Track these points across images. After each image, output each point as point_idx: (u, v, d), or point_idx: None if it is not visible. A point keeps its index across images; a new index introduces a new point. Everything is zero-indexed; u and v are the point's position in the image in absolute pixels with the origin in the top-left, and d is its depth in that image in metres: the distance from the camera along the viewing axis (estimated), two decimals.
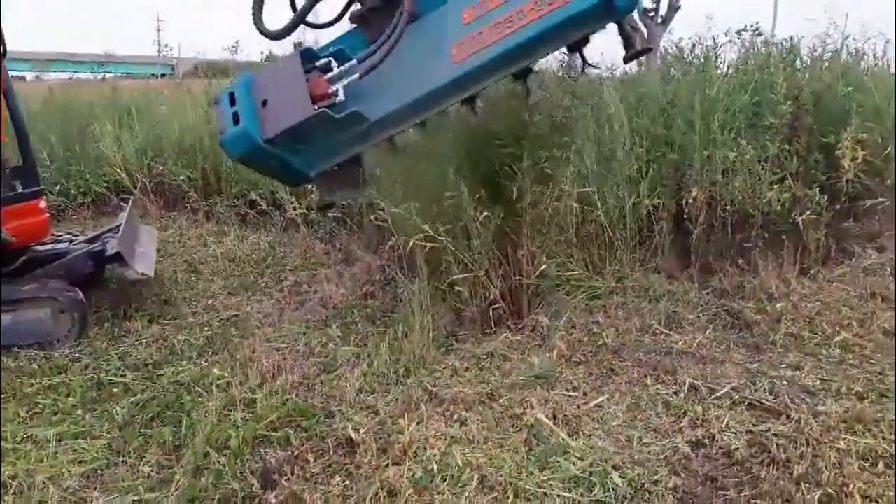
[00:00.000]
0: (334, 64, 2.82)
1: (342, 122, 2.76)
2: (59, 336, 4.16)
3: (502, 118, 5.49)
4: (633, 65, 8.10)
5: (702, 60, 5.98)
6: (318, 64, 2.85)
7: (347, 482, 2.75)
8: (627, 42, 2.81)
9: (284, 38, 3.19)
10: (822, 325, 3.90)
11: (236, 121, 2.77)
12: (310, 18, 3.12)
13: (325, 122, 2.73)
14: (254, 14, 3.11)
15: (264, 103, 2.80)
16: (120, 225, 4.85)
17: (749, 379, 3.34)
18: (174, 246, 6.33)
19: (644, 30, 3.22)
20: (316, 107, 2.70)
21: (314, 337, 4.18)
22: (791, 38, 6.14)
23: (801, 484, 2.53)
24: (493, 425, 3.07)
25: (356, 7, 3.00)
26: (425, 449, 2.89)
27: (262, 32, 3.15)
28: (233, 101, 2.81)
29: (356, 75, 2.76)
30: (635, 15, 3.04)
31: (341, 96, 2.77)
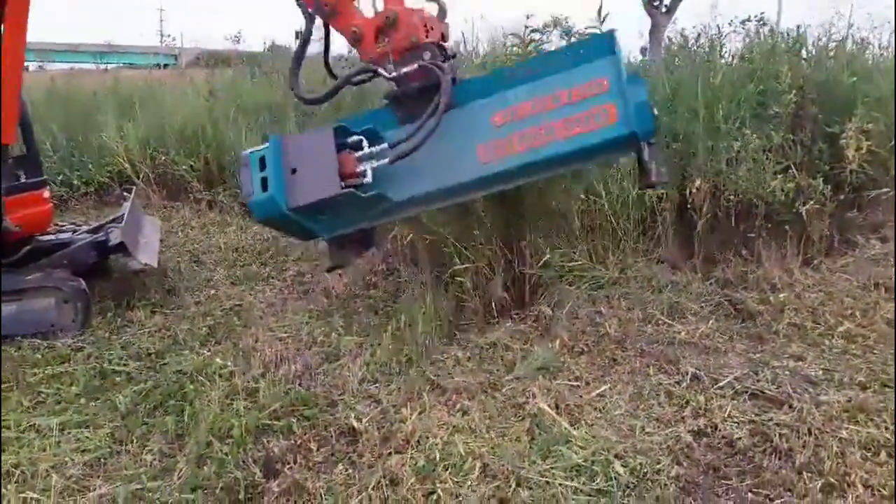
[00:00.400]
0: (365, 143, 2.89)
1: (367, 201, 2.86)
2: (62, 326, 4.17)
3: None
4: (637, 54, 8.10)
5: (706, 50, 5.95)
6: (349, 141, 2.92)
7: (350, 471, 2.76)
8: (643, 171, 2.85)
9: (323, 103, 3.37)
10: (824, 315, 3.90)
11: (264, 186, 2.83)
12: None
13: (350, 199, 2.83)
14: (290, 80, 3.27)
15: (293, 171, 2.86)
16: (123, 215, 4.86)
17: (752, 369, 3.34)
18: (177, 236, 6.34)
19: (654, 166, 3.26)
20: (343, 184, 2.79)
21: (317, 326, 4.18)
22: (797, 27, 6.11)
23: (803, 473, 2.53)
24: (495, 415, 3.08)
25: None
26: (428, 438, 2.90)
27: (299, 98, 3.34)
28: (262, 166, 2.85)
29: (386, 160, 2.82)
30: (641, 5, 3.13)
31: (369, 178, 2.84)
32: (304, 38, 3.21)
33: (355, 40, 3.05)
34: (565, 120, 2.72)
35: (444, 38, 3.10)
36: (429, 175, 2.90)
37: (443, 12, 3.17)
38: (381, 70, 3.00)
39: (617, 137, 2.67)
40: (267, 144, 2.89)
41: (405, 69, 2.96)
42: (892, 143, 4.85)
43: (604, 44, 2.79)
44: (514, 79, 2.90)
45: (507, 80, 2.93)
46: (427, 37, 2.96)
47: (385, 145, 2.86)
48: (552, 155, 2.76)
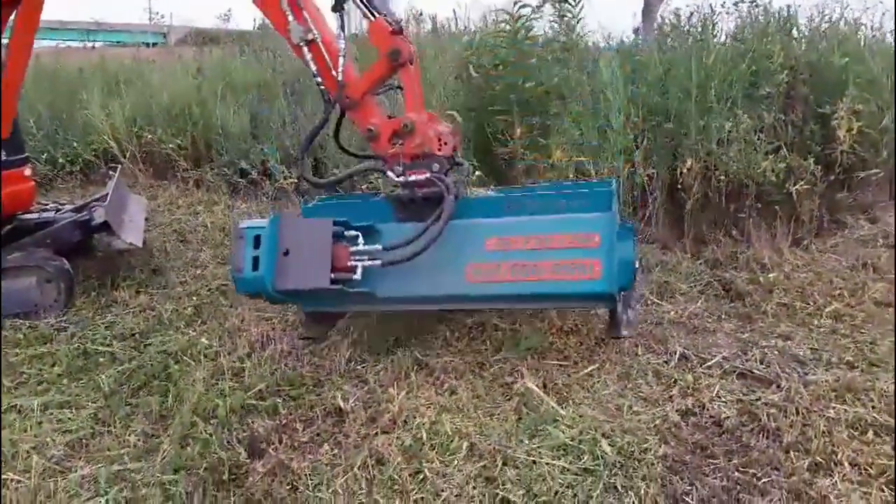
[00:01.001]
0: (361, 240, 3.10)
1: (351, 296, 3.05)
2: (45, 305, 4.11)
3: (495, 86, 5.47)
4: (630, 34, 8.00)
5: (699, 30, 5.89)
6: (346, 233, 3.12)
7: (336, 451, 2.74)
8: (613, 322, 3.20)
9: (328, 187, 3.61)
10: (813, 295, 3.89)
11: (255, 266, 3.01)
12: None
13: (336, 293, 3.01)
14: (299, 163, 3.54)
15: (286, 252, 3.02)
16: (107, 194, 4.78)
17: (740, 348, 3.33)
18: (163, 215, 6.24)
19: (625, 317, 3.43)
20: (333, 276, 2.99)
21: None
22: (788, 6, 6.05)
23: (791, 452, 2.53)
24: (483, 394, 3.05)
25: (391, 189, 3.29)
26: (415, 417, 2.87)
27: (306, 180, 3.58)
28: (256, 243, 3.01)
29: (378, 262, 3.03)
30: None
31: (358, 276, 3.03)
32: (320, 125, 3.47)
33: (370, 138, 3.24)
34: (553, 263, 2.94)
35: (455, 150, 3.30)
36: (415, 280, 3.05)
37: (457, 126, 3.37)
38: (389, 172, 3.20)
39: (598, 293, 2.93)
40: (263, 221, 3.07)
41: (413, 176, 3.16)
42: (883, 123, 4.83)
43: (602, 199, 3.07)
44: (515, 208, 3.17)
45: (509, 208, 3.19)
46: (440, 150, 3.17)
47: (379, 247, 3.06)
48: (534, 293, 3.02)
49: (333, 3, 3.28)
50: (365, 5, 3.28)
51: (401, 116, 3.19)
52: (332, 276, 2.99)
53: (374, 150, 3.33)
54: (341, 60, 3.23)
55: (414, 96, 3.23)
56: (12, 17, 4.03)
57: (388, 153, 3.21)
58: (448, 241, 3.00)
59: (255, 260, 3.02)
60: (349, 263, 3.04)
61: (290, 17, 3.25)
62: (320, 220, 3.12)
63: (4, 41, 4.10)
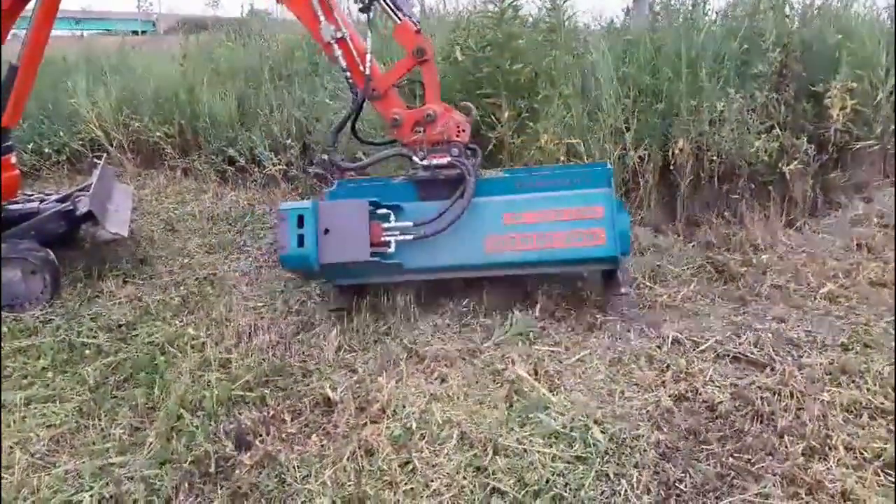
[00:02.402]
0: (392, 217, 3.49)
1: (385, 267, 3.45)
2: (30, 297, 4.05)
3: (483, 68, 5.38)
4: (620, 13, 7.89)
5: (689, 7, 5.79)
6: (378, 212, 3.48)
7: (324, 442, 2.70)
8: (614, 281, 3.61)
9: (357, 170, 3.96)
10: (807, 276, 3.85)
11: (300, 243, 3.32)
12: None
13: (372, 264, 3.39)
14: (329, 149, 3.86)
15: (326, 231, 3.35)
16: (91, 183, 4.69)
17: (734, 332, 3.29)
18: (151, 204, 6.17)
19: (624, 278, 3.62)
20: (371, 251, 3.36)
21: (293, 295, 4.09)
22: None
23: (785, 436, 2.49)
24: (473, 382, 3.02)
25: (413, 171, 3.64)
26: (404, 406, 2.84)
27: (336, 165, 3.81)
28: (300, 223, 3.31)
29: (410, 236, 3.45)
30: None
31: (392, 249, 3.44)
32: (350, 115, 3.81)
33: (395, 126, 3.62)
34: (563, 233, 3.44)
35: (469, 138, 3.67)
36: (440, 252, 3.49)
37: (472, 116, 3.82)
38: (414, 157, 3.58)
39: (603, 256, 3.45)
40: (302, 203, 3.41)
41: (436, 160, 3.54)
42: (877, 101, 4.77)
43: (602, 177, 3.55)
44: (525, 187, 3.60)
45: (520, 186, 3.61)
46: (458, 136, 3.57)
47: (410, 224, 3.48)
48: (547, 258, 3.50)
49: (362, 5, 3.64)
50: (391, 8, 3.58)
51: (422, 107, 3.59)
52: (371, 251, 3.37)
53: (397, 138, 3.68)
54: (368, 57, 3.59)
55: (433, 89, 3.61)
56: (32, 6, 4.05)
57: (410, 140, 3.60)
58: (469, 217, 3.44)
59: (301, 238, 3.32)
60: (383, 238, 3.43)
61: (322, 17, 3.57)
62: (357, 201, 3.43)
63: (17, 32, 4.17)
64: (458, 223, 3.42)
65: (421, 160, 3.57)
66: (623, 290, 3.58)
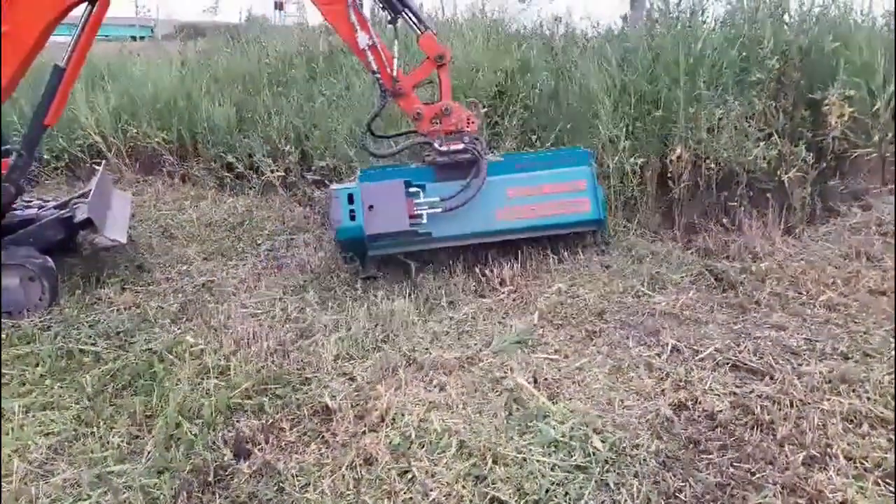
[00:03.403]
0: (422, 194, 4.20)
1: (419, 236, 4.16)
2: (28, 304, 4.03)
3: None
4: (619, 20, 7.93)
5: (688, 16, 5.82)
6: (410, 190, 4.17)
7: (323, 450, 2.69)
8: (596, 239, 4.52)
9: (388, 157, 4.61)
10: (806, 284, 3.85)
11: (352, 217, 4.00)
12: None
13: (408, 233, 4.11)
14: (363, 138, 4.58)
15: (370, 207, 4.03)
16: (90, 190, 4.69)
17: (733, 340, 3.29)
18: (149, 210, 6.16)
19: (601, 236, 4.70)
20: (409, 223, 4.08)
21: (291, 302, 4.07)
22: None
23: (785, 445, 2.49)
24: (472, 390, 3.01)
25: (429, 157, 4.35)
26: (403, 415, 2.83)
27: (369, 152, 4.62)
28: (350, 201, 4.02)
29: (439, 210, 4.17)
30: None
31: (425, 220, 4.16)
32: (378, 110, 4.45)
33: (417, 118, 4.30)
34: (555, 203, 4.31)
35: (477, 129, 4.40)
36: (461, 223, 4.21)
37: (479, 111, 4.64)
38: (435, 144, 4.26)
39: (588, 220, 4.39)
40: (349, 184, 4.15)
41: (453, 147, 4.23)
42: (875, 109, 4.78)
43: (584, 158, 4.45)
44: (525, 166, 4.40)
45: (519, 166, 4.39)
46: (468, 127, 4.29)
47: (438, 199, 4.19)
48: (544, 224, 4.32)
49: (390, 18, 4.33)
50: (414, 21, 4.31)
51: (439, 103, 4.29)
52: (409, 222, 4.06)
53: (418, 129, 4.35)
54: (395, 62, 4.23)
55: (448, 88, 4.32)
56: (83, 13, 4.21)
57: (430, 130, 4.30)
58: (482, 193, 4.17)
59: (352, 213, 4.00)
60: (416, 212, 4.13)
61: (358, 28, 4.16)
62: (395, 181, 4.14)
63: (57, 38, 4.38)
64: (476, 198, 4.14)
65: (440, 147, 4.24)
66: (599, 242, 4.51)
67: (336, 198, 4.05)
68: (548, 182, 4.33)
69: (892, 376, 2.88)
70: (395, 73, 4.22)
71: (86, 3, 4.16)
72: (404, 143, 4.54)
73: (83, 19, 4.22)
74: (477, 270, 4.27)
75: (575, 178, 4.35)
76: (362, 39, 4.18)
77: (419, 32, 4.29)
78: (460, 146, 4.24)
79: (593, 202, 4.32)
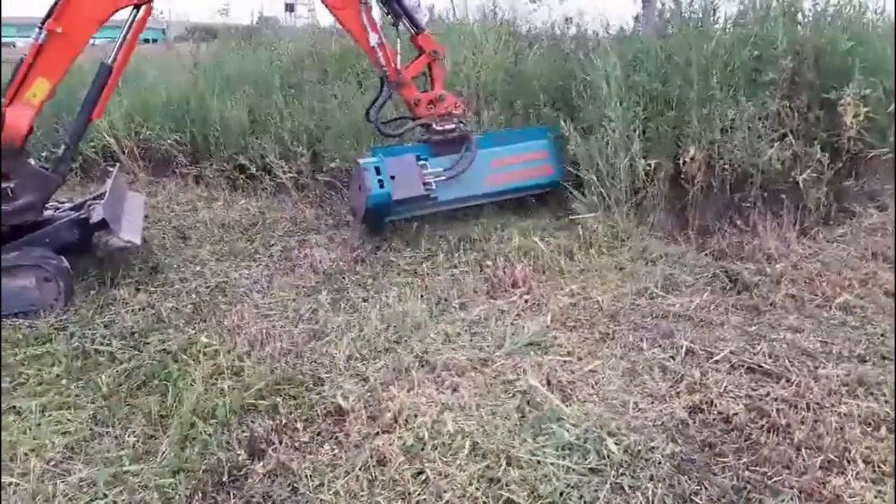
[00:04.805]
0: (428, 166, 5.05)
1: (429, 199, 5.01)
2: (44, 305, 4.07)
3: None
4: (630, 20, 7.91)
5: (700, 15, 5.78)
6: (419, 163, 5.02)
7: (336, 451, 2.69)
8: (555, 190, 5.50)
9: (397, 137, 5.36)
10: (822, 286, 3.81)
11: (381, 185, 4.77)
12: None
13: (421, 197, 4.95)
14: (377, 121, 5.13)
15: (392, 177, 4.82)
16: (105, 192, 4.72)
17: (748, 342, 3.27)
18: (162, 212, 6.20)
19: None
20: (424, 189, 4.94)
21: (304, 303, 4.09)
22: None
23: (802, 449, 2.47)
24: (485, 392, 3.00)
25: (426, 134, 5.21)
26: (416, 416, 2.82)
27: (381, 132, 5.21)
28: (378, 172, 4.79)
29: (443, 178, 5.06)
30: None
31: (434, 187, 5.00)
32: (386, 98, 5.15)
33: (414, 104, 5.08)
34: (526, 170, 5.43)
35: (464, 112, 5.36)
36: (458, 189, 5.15)
37: (464, 98, 5.70)
38: (433, 125, 5.11)
39: (551, 181, 5.46)
40: (373, 158, 4.92)
41: (447, 127, 5.13)
42: (890, 109, 4.73)
43: (543, 133, 5.56)
44: (501, 142, 5.41)
45: (498, 142, 5.39)
46: (456, 109, 5.17)
47: (440, 168, 5.07)
48: (518, 186, 5.43)
49: (393, 21, 5.04)
50: (410, 22, 5.03)
51: (433, 91, 5.12)
52: (424, 188, 4.91)
53: (415, 113, 5.13)
54: (398, 58, 4.98)
55: (440, 78, 5.19)
56: (129, 16, 4.42)
57: (426, 114, 5.10)
58: (472, 165, 5.10)
59: (381, 181, 4.77)
60: (425, 180, 4.96)
61: (368, 29, 4.82)
62: (409, 155, 5.04)
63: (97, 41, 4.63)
64: (469, 168, 5.07)
65: (438, 127, 5.10)
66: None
67: (366, 170, 4.79)
68: (520, 153, 5.38)
69: None
70: (398, 67, 4.94)
71: (132, 7, 4.36)
72: (407, 126, 5.23)
73: (129, 22, 4.42)
74: (489, 271, 4.27)
75: (540, 149, 5.44)
76: (372, 38, 4.83)
77: (414, 32, 5.03)
78: (452, 126, 5.12)
79: (556, 167, 5.41)
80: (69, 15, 4.10)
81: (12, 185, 4.20)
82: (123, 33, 4.45)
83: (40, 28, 4.12)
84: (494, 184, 5.29)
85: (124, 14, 4.38)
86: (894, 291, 3.69)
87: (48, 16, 4.12)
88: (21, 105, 4.13)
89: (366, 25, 4.81)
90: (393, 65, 4.92)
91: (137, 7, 4.39)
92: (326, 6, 4.87)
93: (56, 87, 4.25)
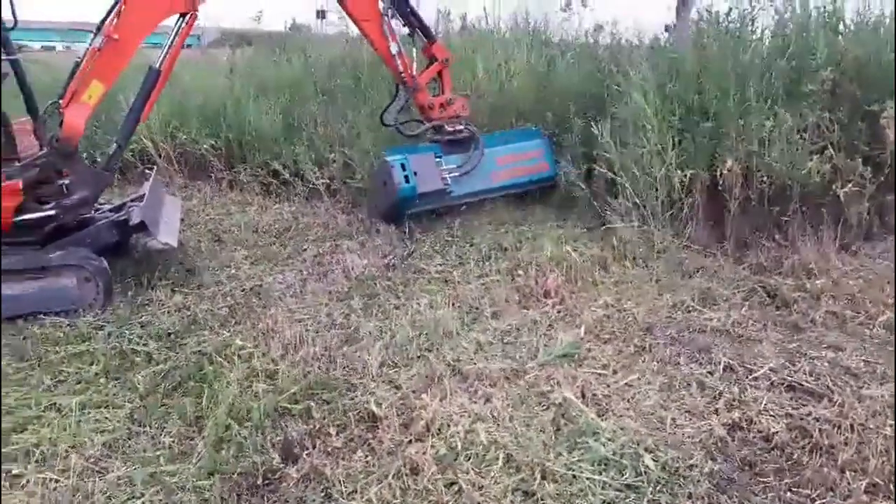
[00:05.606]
0: (443, 163, 5.49)
1: (447, 192, 5.48)
2: (84, 304, 4.15)
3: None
4: (662, 31, 7.83)
5: (737, 25, 5.71)
6: (436, 160, 5.48)
7: (369, 457, 2.69)
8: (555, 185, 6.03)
9: (416, 138, 5.71)
10: (864, 303, 3.73)
11: (407, 180, 5.21)
12: None
13: (441, 191, 5.42)
14: (397, 123, 5.64)
15: (415, 173, 5.25)
16: (144, 194, 4.81)
17: (788, 359, 3.20)
18: (198, 215, 6.29)
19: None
20: (442, 183, 5.40)
21: (336, 308, 4.11)
22: (833, 0, 5.82)
23: (846, 472, 2.41)
24: (518, 403, 2.98)
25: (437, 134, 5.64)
26: (449, 425, 2.82)
27: (402, 133, 5.67)
28: (403, 168, 5.22)
29: (457, 174, 5.53)
30: None
31: (450, 181, 5.46)
32: (403, 104, 5.64)
33: (429, 108, 5.53)
34: (525, 167, 5.93)
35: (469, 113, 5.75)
36: (469, 184, 5.63)
37: (468, 100, 5.82)
38: (445, 126, 5.57)
39: (548, 177, 5.97)
40: (398, 156, 5.30)
41: (457, 128, 5.59)
42: None
43: (538, 134, 6.07)
44: (505, 141, 5.90)
45: (501, 141, 5.89)
46: (463, 112, 5.63)
47: (454, 166, 5.55)
48: (519, 182, 5.92)
49: (408, 32, 5.57)
50: (424, 33, 5.57)
51: (442, 96, 5.59)
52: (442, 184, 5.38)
53: (428, 116, 5.56)
54: (413, 65, 5.44)
55: (450, 84, 5.65)
56: (176, 24, 4.62)
57: (438, 116, 5.55)
58: (483, 163, 5.63)
59: (406, 177, 5.21)
60: (442, 176, 5.41)
61: (389, 39, 5.27)
62: (428, 153, 5.49)
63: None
64: (479, 165, 5.59)
65: (450, 128, 5.56)
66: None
67: (393, 166, 5.23)
68: (518, 152, 5.89)
69: None
70: (414, 73, 5.39)
71: (178, 16, 4.56)
72: (423, 128, 5.66)
73: (175, 28, 4.62)
74: (520, 281, 4.25)
75: (535, 148, 5.97)
76: (393, 48, 5.29)
77: (427, 42, 5.54)
78: (461, 127, 5.59)
79: (550, 163, 5.95)
80: (124, 22, 4.27)
81: (68, 182, 4.35)
82: (171, 39, 4.61)
83: (96, 34, 4.33)
84: (500, 179, 5.79)
85: (170, 21, 4.53)
86: (894, 296, 3.57)
87: (104, 21, 4.33)
88: (78, 106, 4.29)
89: (387, 35, 5.24)
90: (410, 71, 5.35)
91: (183, 15, 4.57)
92: (352, 17, 5.26)
93: (109, 90, 4.39)
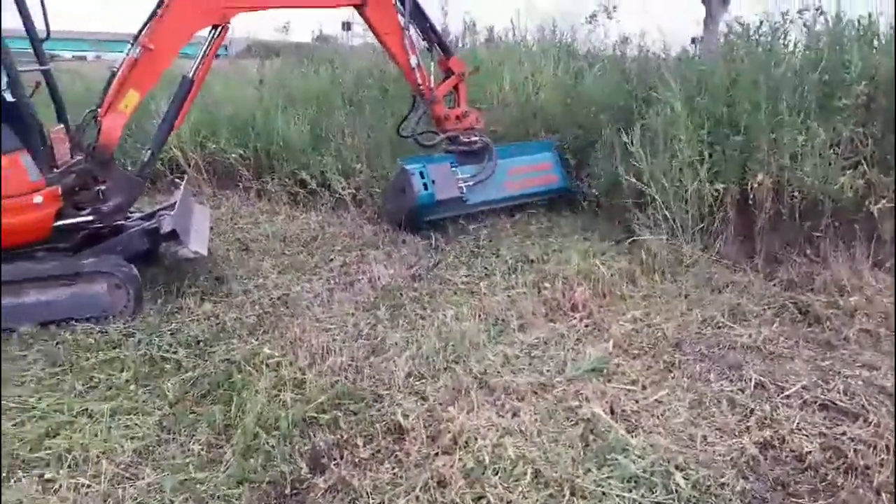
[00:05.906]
0: (459, 172, 5.70)
1: (463, 201, 5.69)
2: (115, 311, 4.21)
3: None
4: (689, 44, 7.78)
5: (768, 39, 5.66)
6: (452, 169, 5.66)
7: (397, 470, 2.69)
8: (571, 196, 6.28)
9: (433, 147, 5.92)
10: None
11: (426, 188, 5.45)
12: None
13: (456, 199, 5.63)
14: (414, 132, 5.85)
15: (433, 181, 5.48)
16: (175, 203, 4.88)
17: (821, 377, 3.15)
18: (226, 224, 6.37)
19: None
20: (459, 192, 5.63)
21: (363, 318, 4.13)
22: (868, 14, 5.74)
23: (883, 494, 2.36)
24: (546, 417, 2.96)
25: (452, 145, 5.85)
26: (476, 439, 2.81)
27: (419, 143, 5.87)
28: (422, 176, 5.46)
29: (471, 183, 5.73)
30: None
31: (465, 190, 5.67)
32: (421, 114, 5.79)
33: (445, 119, 5.74)
34: (536, 178, 6.17)
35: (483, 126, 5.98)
36: (483, 193, 5.84)
37: (482, 114, 6.04)
38: (461, 137, 5.79)
39: (558, 188, 6.24)
40: (417, 164, 5.54)
41: (472, 139, 5.81)
42: None
43: (548, 146, 6.30)
44: (516, 153, 6.10)
45: (513, 153, 6.08)
46: (477, 124, 5.84)
47: (468, 175, 5.74)
48: (530, 192, 6.18)
49: (427, 47, 5.76)
50: (442, 47, 5.78)
51: (460, 108, 5.79)
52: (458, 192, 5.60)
53: (444, 127, 5.77)
54: (431, 78, 5.63)
55: (465, 96, 5.86)
56: (209, 35, 4.78)
57: (453, 127, 5.75)
58: (495, 174, 5.83)
59: (425, 185, 5.45)
60: (458, 184, 5.63)
61: (409, 52, 5.44)
62: (445, 163, 5.69)
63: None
64: (493, 175, 5.79)
65: (466, 139, 5.77)
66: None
67: (412, 174, 5.45)
68: (529, 163, 6.12)
69: None
70: (432, 85, 5.59)
71: (211, 27, 4.71)
72: (438, 139, 5.85)
73: (209, 40, 4.78)
74: (547, 293, 4.23)
75: (546, 160, 6.22)
76: (412, 60, 5.47)
77: (444, 56, 5.75)
78: (476, 138, 5.80)
79: (561, 175, 6.21)
80: (160, 33, 4.40)
81: (104, 189, 4.48)
82: (204, 50, 4.75)
83: (132, 44, 4.45)
84: (515, 189, 6.03)
85: (203, 32, 4.63)
86: (894, 297, 3.48)
87: (140, 32, 4.46)
88: (115, 115, 4.42)
89: (407, 48, 5.43)
90: (427, 84, 5.54)
91: (216, 27, 4.69)
92: (374, 31, 5.41)
93: (144, 99, 4.50)
